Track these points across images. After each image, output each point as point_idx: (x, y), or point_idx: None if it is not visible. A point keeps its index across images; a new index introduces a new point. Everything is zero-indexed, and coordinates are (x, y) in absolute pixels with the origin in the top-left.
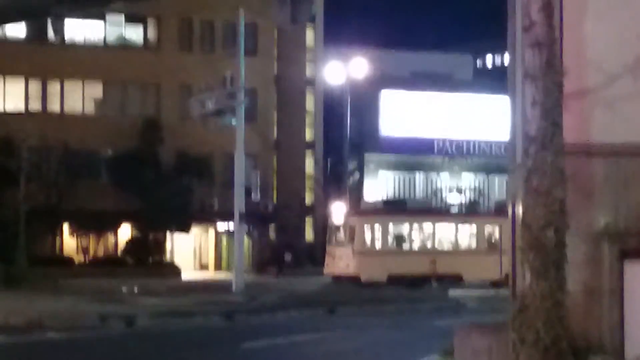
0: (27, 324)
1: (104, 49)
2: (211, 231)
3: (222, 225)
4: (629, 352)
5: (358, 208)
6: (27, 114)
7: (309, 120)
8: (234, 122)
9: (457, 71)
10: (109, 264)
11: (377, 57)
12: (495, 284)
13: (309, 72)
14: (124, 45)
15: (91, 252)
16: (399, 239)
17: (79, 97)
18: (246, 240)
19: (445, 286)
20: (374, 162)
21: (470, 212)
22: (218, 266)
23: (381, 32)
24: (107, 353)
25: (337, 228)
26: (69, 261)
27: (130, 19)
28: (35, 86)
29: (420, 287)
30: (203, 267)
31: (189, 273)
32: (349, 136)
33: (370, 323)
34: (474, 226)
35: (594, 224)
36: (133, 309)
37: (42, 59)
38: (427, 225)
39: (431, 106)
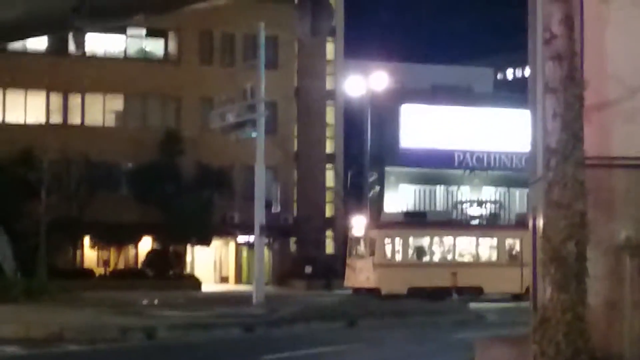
0: (48, 336)
1: (125, 61)
2: (231, 244)
3: (242, 238)
4: None
5: (378, 220)
6: (48, 126)
7: (329, 132)
8: (254, 134)
9: (478, 84)
10: (130, 276)
11: (398, 70)
12: (516, 297)
13: (329, 84)
14: (145, 58)
15: (112, 264)
16: (420, 251)
17: (99, 110)
18: (266, 252)
19: (466, 299)
20: (394, 175)
21: (491, 224)
22: (238, 279)
23: (401, 45)
24: None
25: (357, 240)
26: (89, 273)
27: (151, 32)
28: (56, 99)
29: (440, 300)
30: (223, 279)
31: (210, 285)
32: (369, 149)
33: (390, 336)
34: (494, 239)
35: (615, 236)
36: (153, 322)
37: (63, 72)
38: (448, 238)
39: (451, 119)
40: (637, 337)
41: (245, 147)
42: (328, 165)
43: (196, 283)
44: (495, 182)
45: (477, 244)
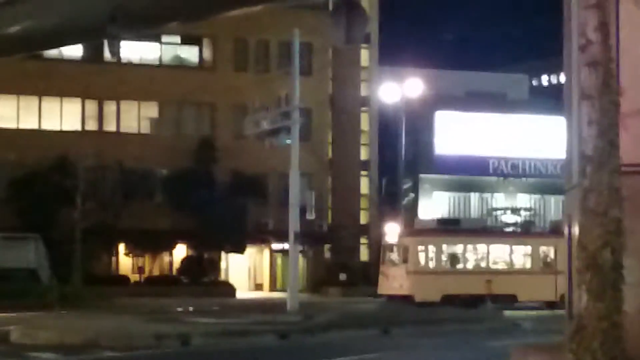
0: (83, 342)
1: (160, 69)
2: (266, 251)
3: (276, 245)
4: None
5: (412, 227)
6: (84, 133)
7: (363, 139)
8: (288, 141)
9: (513, 91)
10: (164, 283)
11: (432, 77)
12: (551, 305)
13: (363, 91)
14: (180, 66)
15: (146, 271)
16: (453, 258)
17: (134, 117)
18: (301, 259)
19: (501, 306)
20: (429, 183)
21: (525, 232)
22: (273, 286)
23: (436, 52)
24: None
25: (391, 247)
26: (124, 280)
27: (186, 39)
28: (91, 106)
29: (474, 307)
30: (258, 286)
31: (244, 293)
32: (403, 156)
33: (425, 343)
34: (528, 246)
35: None
36: (188, 328)
37: (99, 79)
38: (481, 245)
39: (486, 126)
40: None
41: (279, 154)
42: (362, 172)
43: (230, 290)
44: (530, 190)
45: (511, 252)
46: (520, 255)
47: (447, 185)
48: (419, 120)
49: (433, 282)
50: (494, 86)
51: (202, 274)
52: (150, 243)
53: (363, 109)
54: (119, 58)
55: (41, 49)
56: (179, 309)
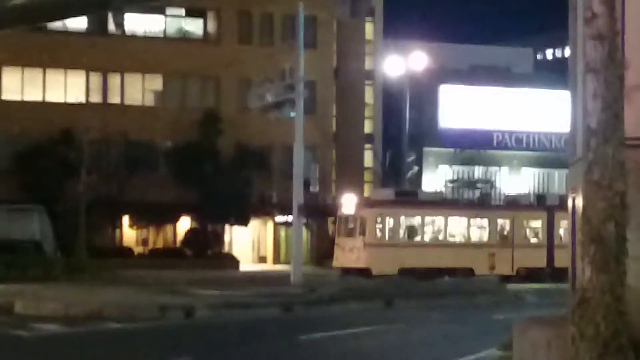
0: (88, 314)
1: (164, 41)
2: (270, 224)
3: (280, 218)
4: None
5: (369, 199)
6: (88, 106)
7: (367, 113)
8: (293, 114)
9: (517, 64)
10: (168, 255)
11: (436, 50)
12: (506, 279)
13: (368, 65)
14: (184, 38)
15: (150, 243)
16: (411, 231)
17: (139, 90)
18: (305, 232)
19: (459, 280)
20: (433, 156)
21: (483, 205)
22: (277, 258)
23: (440, 25)
24: (167, 343)
25: (347, 219)
26: (128, 252)
27: (190, 12)
28: (96, 78)
29: (431, 280)
30: (261, 259)
31: (248, 265)
32: (407, 129)
33: (427, 316)
34: (485, 219)
35: None
36: (192, 300)
37: (103, 52)
38: (439, 218)
39: (490, 100)
40: None
41: (283, 127)
42: (366, 146)
43: (234, 262)
44: (534, 163)
45: (468, 225)
46: (476, 229)
47: (452, 158)
48: (423, 94)
49: (390, 255)
50: (498, 60)
51: (205, 247)
52: (154, 215)
53: (367, 82)
54: (123, 30)
55: (45, 21)
56: (183, 281)
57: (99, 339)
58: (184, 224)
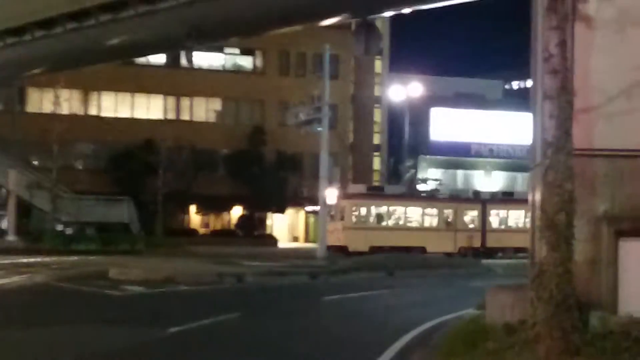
0: (163, 279)
1: (223, 73)
2: (301, 212)
3: (309, 208)
4: (622, 310)
5: (347, 192)
6: (165, 122)
7: (376, 128)
8: (319, 129)
9: (490, 93)
10: (224, 235)
11: (429, 81)
12: (450, 255)
13: (377, 92)
14: (238, 71)
15: (211, 226)
16: (379, 217)
17: (203, 109)
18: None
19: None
20: (426, 162)
21: (433, 197)
22: (306, 238)
23: (433, 62)
24: (223, 301)
25: (331, 208)
26: (194, 233)
27: (243, 50)
28: (171, 101)
29: (422, 256)
30: (295, 239)
31: (284, 243)
32: (407, 141)
33: (421, 283)
34: (435, 209)
35: (595, 210)
36: (242, 269)
37: (177, 81)
38: (400, 208)
39: (470, 119)
40: (612, 287)
41: (312, 139)
42: (375, 154)
43: (274, 241)
44: (502, 168)
45: (423, 213)
46: (429, 216)
47: (440, 163)
48: (419, 115)
49: (363, 236)
50: (476, 89)
51: (253, 229)
52: (214, 205)
53: (376, 105)
54: (192, 64)
55: (134, 57)
56: (236, 255)
57: (171, 297)
58: (237, 211)
